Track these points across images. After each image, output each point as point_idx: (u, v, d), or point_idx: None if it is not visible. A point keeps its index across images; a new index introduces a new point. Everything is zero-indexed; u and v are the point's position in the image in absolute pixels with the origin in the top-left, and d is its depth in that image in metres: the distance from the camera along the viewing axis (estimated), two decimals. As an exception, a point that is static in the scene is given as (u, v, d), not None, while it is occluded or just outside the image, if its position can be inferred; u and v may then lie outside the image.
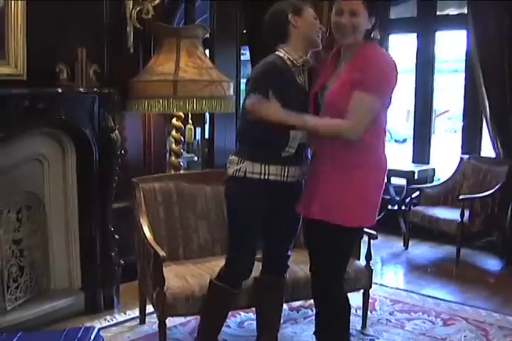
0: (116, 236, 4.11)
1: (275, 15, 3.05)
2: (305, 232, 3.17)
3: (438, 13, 6.40)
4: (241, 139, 3.09)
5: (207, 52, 5.24)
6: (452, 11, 6.64)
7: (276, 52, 3.01)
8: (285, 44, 3.01)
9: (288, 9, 3.01)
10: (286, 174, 3.00)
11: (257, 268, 3.31)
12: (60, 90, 3.75)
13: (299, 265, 3.59)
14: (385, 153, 2.94)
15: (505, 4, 5.27)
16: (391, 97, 2.82)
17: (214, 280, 3.19)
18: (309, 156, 3.08)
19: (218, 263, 3.26)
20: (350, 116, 2.67)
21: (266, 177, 2.98)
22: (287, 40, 3.01)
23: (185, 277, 3.42)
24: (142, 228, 3.55)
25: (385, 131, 2.93)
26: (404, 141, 15.00)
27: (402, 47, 8.14)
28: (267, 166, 2.98)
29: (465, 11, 5.89)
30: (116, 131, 3.99)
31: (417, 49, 6.49)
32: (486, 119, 5.61)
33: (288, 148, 2.94)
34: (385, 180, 2.94)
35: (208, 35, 5.17)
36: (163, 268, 3.28)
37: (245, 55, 6.95)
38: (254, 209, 3.05)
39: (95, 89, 3.91)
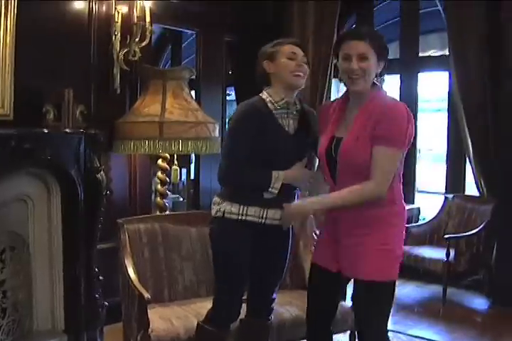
0: (101, 277, 4.06)
1: (256, 62, 3.10)
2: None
3: (420, 54, 6.52)
4: (222, 180, 3.07)
5: (193, 93, 5.29)
6: (434, 53, 6.77)
7: (260, 94, 3.05)
8: (269, 86, 3.05)
9: (263, 56, 3.05)
10: (265, 216, 2.98)
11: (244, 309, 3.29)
12: (46, 130, 3.76)
13: (284, 306, 3.58)
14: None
15: (485, 47, 5.38)
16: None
17: (201, 323, 3.15)
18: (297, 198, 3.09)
19: (204, 305, 3.24)
20: (375, 173, 2.65)
21: (243, 217, 2.97)
22: (270, 83, 3.04)
23: (170, 319, 3.38)
24: (127, 269, 3.53)
25: (401, 180, 2.84)
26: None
27: (386, 87, 8.23)
28: (245, 207, 2.97)
29: (446, 52, 6.01)
30: (102, 172, 3.99)
31: (400, 89, 6.59)
32: (469, 158, 5.68)
33: (271, 188, 2.94)
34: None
35: (193, 77, 5.23)
36: (148, 310, 3.25)
37: (231, 95, 7.04)
38: (235, 250, 3.03)
39: (81, 129, 3.92)
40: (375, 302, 2.81)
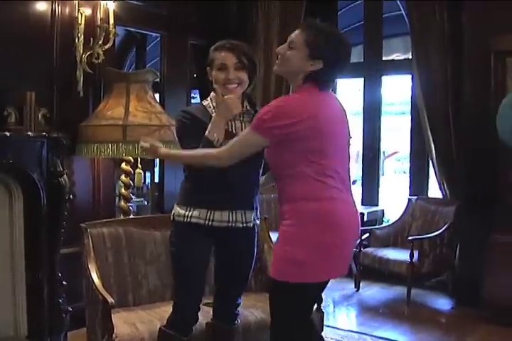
0: (65, 283, 4.02)
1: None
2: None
3: (384, 58, 6.58)
4: (184, 172, 3.10)
5: (157, 96, 5.27)
6: (398, 56, 6.83)
7: (203, 101, 3.10)
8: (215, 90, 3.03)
9: (207, 61, 3.05)
10: (211, 218, 2.96)
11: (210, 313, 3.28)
12: (7, 134, 3.70)
13: (249, 309, 3.57)
14: (334, 204, 2.67)
15: (447, 50, 5.46)
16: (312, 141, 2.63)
17: (163, 328, 3.13)
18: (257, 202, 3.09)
19: (168, 309, 3.21)
20: (227, 145, 2.74)
21: (188, 219, 2.96)
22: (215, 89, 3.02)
23: (134, 324, 3.35)
24: (90, 274, 3.49)
25: (327, 181, 2.65)
26: (354, 182, 15.15)
27: (350, 90, 8.31)
28: (191, 209, 2.97)
29: (410, 56, 6.08)
30: (65, 176, 3.94)
31: (364, 92, 6.64)
32: (432, 161, 5.75)
33: (213, 138, 2.85)
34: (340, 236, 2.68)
35: (158, 80, 5.20)
36: (112, 315, 3.22)
37: (196, 98, 7.01)
38: (186, 252, 3.00)
39: (44, 133, 3.88)
40: (276, 299, 2.76)
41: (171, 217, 3.06)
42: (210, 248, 3.07)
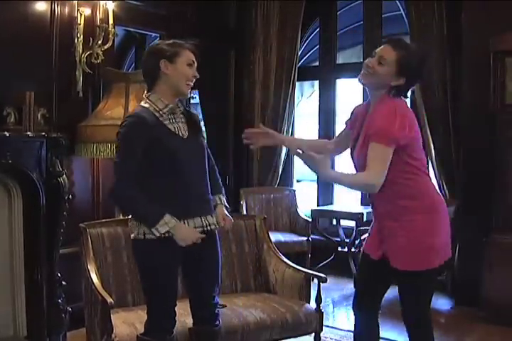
0: (64, 283, 4.01)
1: (148, 56, 3.00)
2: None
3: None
4: (113, 199, 3.04)
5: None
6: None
7: (142, 103, 2.99)
8: (152, 90, 2.97)
9: (159, 53, 2.94)
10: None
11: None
12: (7, 134, 3.70)
13: (248, 309, 3.59)
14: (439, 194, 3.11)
15: (446, 49, 5.47)
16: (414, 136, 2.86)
17: (140, 335, 3.08)
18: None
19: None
20: (368, 165, 2.77)
21: (164, 235, 2.88)
22: (154, 85, 2.96)
23: (133, 324, 3.36)
24: (90, 274, 3.50)
25: (428, 174, 3.03)
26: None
27: (350, 90, 8.30)
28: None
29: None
30: (64, 176, 3.94)
31: (363, 93, 6.63)
32: (431, 161, 5.75)
33: (153, 229, 2.85)
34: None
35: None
36: (112, 315, 3.23)
37: (195, 98, 7.01)
38: (163, 267, 2.96)
39: (43, 133, 3.87)
40: (413, 290, 2.99)
41: (138, 236, 2.93)
42: (181, 254, 3.01)
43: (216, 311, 3.19)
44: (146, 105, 2.95)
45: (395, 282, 3.06)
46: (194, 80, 2.98)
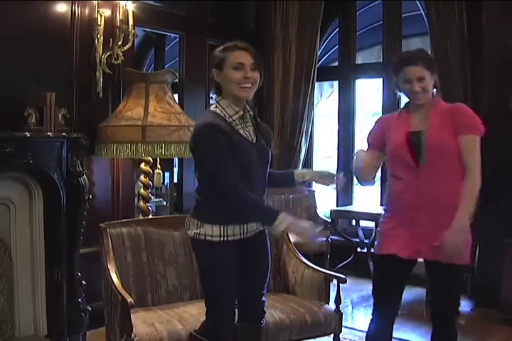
0: (84, 282, 4.04)
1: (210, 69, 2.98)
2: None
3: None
4: (199, 200, 3.01)
5: (176, 96, 5.28)
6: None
7: (212, 108, 2.94)
8: (221, 96, 2.93)
9: (212, 62, 2.94)
10: (245, 231, 2.96)
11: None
12: (28, 134, 3.73)
13: (267, 310, 3.55)
14: None
15: (466, 49, 5.44)
16: None
17: (194, 333, 3.12)
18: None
19: (187, 309, 3.24)
20: (470, 163, 3.02)
21: (225, 238, 2.90)
22: (221, 93, 2.94)
23: (153, 323, 3.37)
24: (110, 274, 3.51)
25: None
26: (373, 183, 15.10)
27: (369, 91, 8.27)
28: (225, 227, 2.90)
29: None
30: (85, 176, 3.96)
31: (383, 93, 6.60)
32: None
33: (272, 228, 2.84)
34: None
35: (176, 80, 5.22)
36: (131, 315, 3.24)
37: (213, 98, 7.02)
38: (223, 269, 2.96)
39: (64, 133, 3.90)
40: (453, 282, 3.16)
41: (199, 237, 2.92)
42: (237, 257, 3.02)
43: (263, 309, 3.22)
44: (217, 111, 2.90)
45: (432, 279, 3.29)
46: (250, 81, 2.87)
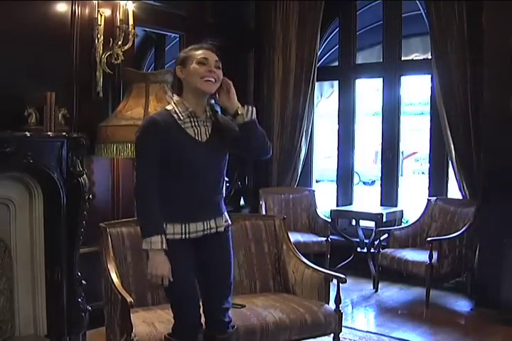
0: (84, 282, 4.05)
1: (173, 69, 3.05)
2: None
3: (403, 58, 6.55)
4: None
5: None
6: (417, 56, 6.80)
7: (166, 106, 3.00)
8: (180, 95, 2.98)
9: (176, 61, 3.01)
10: (187, 231, 2.94)
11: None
12: (28, 134, 3.73)
13: (267, 309, 3.58)
14: None
15: (467, 49, 5.44)
16: None
17: (168, 336, 3.07)
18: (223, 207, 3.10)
19: (187, 309, 3.22)
20: None
21: (167, 236, 2.89)
22: (182, 91, 2.98)
23: (153, 323, 3.37)
24: (110, 273, 3.51)
25: None
26: (373, 182, 15.15)
27: (369, 90, 8.29)
28: (165, 225, 2.91)
29: (429, 56, 6.06)
30: (85, 176, 3.97)
31: (383, 92, 6.61)
32: (452, 161, 5.73)
33: (143, 239, 2.87)
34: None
35: (177, 80, 5.21)
36: (131, 315, 3.24)
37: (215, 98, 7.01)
38: (177, 270, 2.91)
39: (64, 133, 3.91)
40: None
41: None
42: (192, 256, 3.01)
43: (226, 318, 3.10)
44: (169, 107, 2.96)
45: None
46: (213, 75, 2.90)
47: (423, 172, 14.47)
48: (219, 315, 3.09)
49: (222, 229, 3.06)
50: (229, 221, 3.14)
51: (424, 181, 6.79)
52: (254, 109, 2.96)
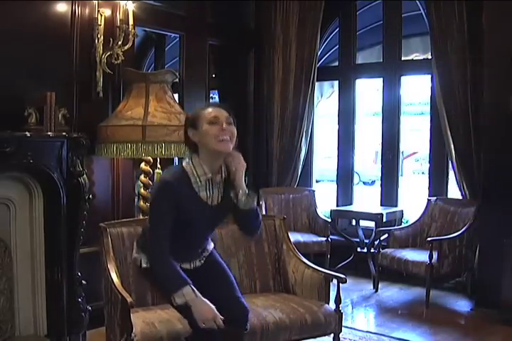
0: (84, 282, 4.04)
1: (184, 129, 3.03)
2: None
3: (403, 58, 6.55)
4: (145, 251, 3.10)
5: (176, 96, 5.28)
6: (417, 56, 6.80)
7: (184, 164, 2.98)
8: (197, 154, 2.97)
9: (187, 123, 3.00)
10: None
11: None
12: (28, 134, 3.73)
13: (267, 309, 3.58)
14: None
15: (467, 49, 5.44)
16: None
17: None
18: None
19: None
20: None
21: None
22: (197, 152, 2.97)
23: (153, 323, 3.37)
24: (110, 273, 3.51)
25: None
26: (373, 182, 15.15)
27: (369, 90, 8.29)
28: None
29: (429, 56, 6.06)
30: (85, 176, 3.96)
31: (383, 92, 6.61)
32: (452, 161, 5.73)
33: (171, 297, 2.91)
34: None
35: (177, 80, 5.22)
36: (131, 315, 3.24)
37: (214, 98, 7.03)
38: None
39: (64, 133, 3.90)
40: None
41: (141, 266, 3.09)
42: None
43: (245, 307, 3.18)
44: (187, 169, 2.95)
45: None
46: (227, 133, 2.89)
47: (423, 172, 14.47)
48: (237, 310, 3.14)
49: (207, 254, 3.24)
50: (212, 245, 3.30)
51: (424, 181, 6.79)
52: (256, 196, 3.00)
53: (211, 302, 2.94)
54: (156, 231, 2.93)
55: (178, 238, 2.95)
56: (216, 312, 2.88)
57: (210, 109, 2.93)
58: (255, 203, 3.00)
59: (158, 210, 2.94)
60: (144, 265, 3.06)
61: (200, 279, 3.05)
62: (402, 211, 6.51)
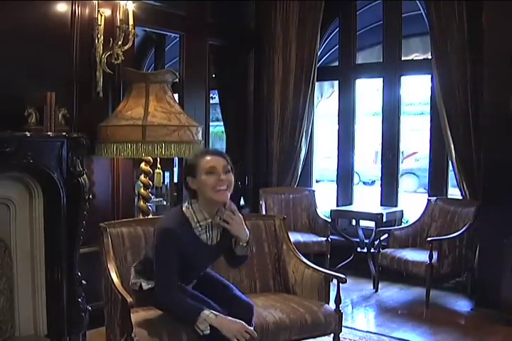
0: (84, 282, 4.04)
1: (183, 176, 3.11)
2: None
3: (403, 58, 6.55)
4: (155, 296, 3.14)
5: (176, 96, 5.28)
6: (417, 56, 6.80)
7: (184, 208, 3.06)
8: (196, 199, 3.05)
9: (186, 170, 3.07)
10: None
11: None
12: (28, 134, 3.73)
13: (267, 309, 3.57)
14: None
15: (467, 49, 5.44)
16: None
17: None
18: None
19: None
20: None
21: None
22: (196, 197, 3.05)
23: (153, 323, 3.36)
24: (110, 273, 3.51)
25: None
26: (373, 182, 15.14)
27: (369, 90, 8.29)
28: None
29: (429, 56, 6.06)
30: (85, 176, 3.96)
31: (383, 92, 6.61)
32: (452, 161, 5.72)
33: (195, 327, 2.99)
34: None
35: (177, 80, 5.22)
36: (131, 315, 3.23)
37: (214, 98, 7.04)
38: None
39: (64, 133, 3.90)
40: None
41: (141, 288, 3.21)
42: None
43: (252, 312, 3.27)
44: (187, 214, 3.04)
45: None
46: (224, 183, 2.97)
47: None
48: (247, 310, 3.24)
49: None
50: None
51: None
52: (253, 246, 3.28)
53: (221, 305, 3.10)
54: (166, 280, 3.02)
55: (181, 272, 3.04)
56: (243, 323, 2.98)
57: (208, 158, 3.00)
58: (249, 251, 3.20)
59: (165, 259, 3.01)
60: (144, 287, 3.17)
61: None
62: (402, 211, 6.51)
